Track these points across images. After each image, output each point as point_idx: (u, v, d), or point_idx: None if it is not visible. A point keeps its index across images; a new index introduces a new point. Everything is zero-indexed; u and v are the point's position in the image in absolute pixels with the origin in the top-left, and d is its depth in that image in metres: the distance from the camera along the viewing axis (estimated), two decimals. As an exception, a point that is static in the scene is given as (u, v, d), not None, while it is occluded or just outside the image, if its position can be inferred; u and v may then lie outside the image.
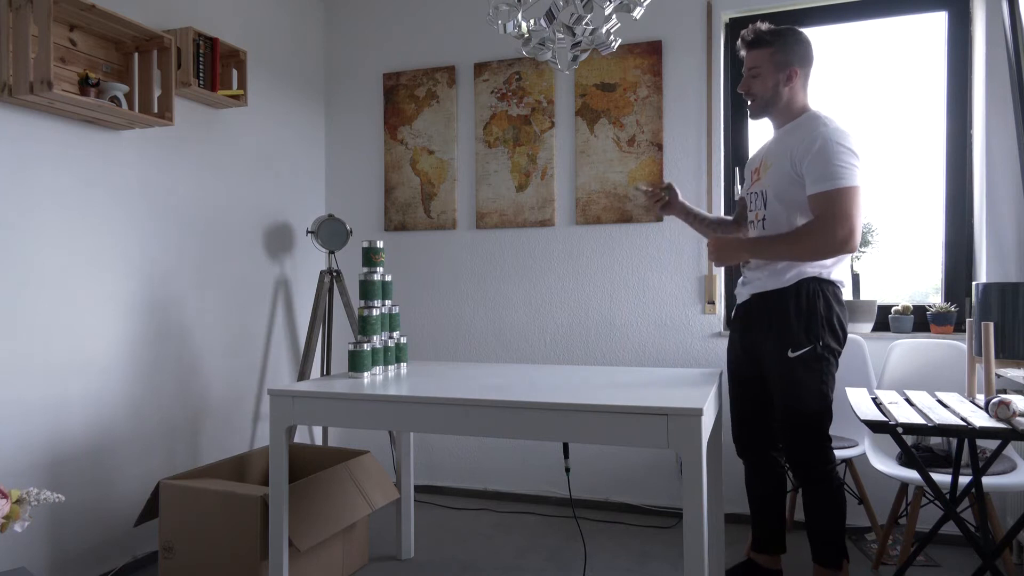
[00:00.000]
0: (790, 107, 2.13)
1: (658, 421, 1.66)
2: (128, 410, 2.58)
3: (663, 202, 2.39)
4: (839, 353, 2.09)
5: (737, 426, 2.30)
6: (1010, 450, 2.45)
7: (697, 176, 3.11)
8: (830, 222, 1.94)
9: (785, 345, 2.05)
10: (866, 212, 3.01)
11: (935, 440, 2.41)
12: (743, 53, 2.17)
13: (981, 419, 1.72)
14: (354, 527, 2.56)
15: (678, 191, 2.40)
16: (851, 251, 1.97)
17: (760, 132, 3.14)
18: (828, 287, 2.06)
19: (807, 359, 2.03)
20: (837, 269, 2.10)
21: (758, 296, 2.14)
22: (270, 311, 3.31)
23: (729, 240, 2.14)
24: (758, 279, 2.14)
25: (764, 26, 2.13)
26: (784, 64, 2.09)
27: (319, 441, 3.58)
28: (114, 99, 2.37)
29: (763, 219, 2.14)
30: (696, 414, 1.63)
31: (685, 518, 1.63)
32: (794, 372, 2.04)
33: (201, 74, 2.72)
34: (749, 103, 2.19)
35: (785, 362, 2.05)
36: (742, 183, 3.14)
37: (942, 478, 2.22)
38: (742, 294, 2.23)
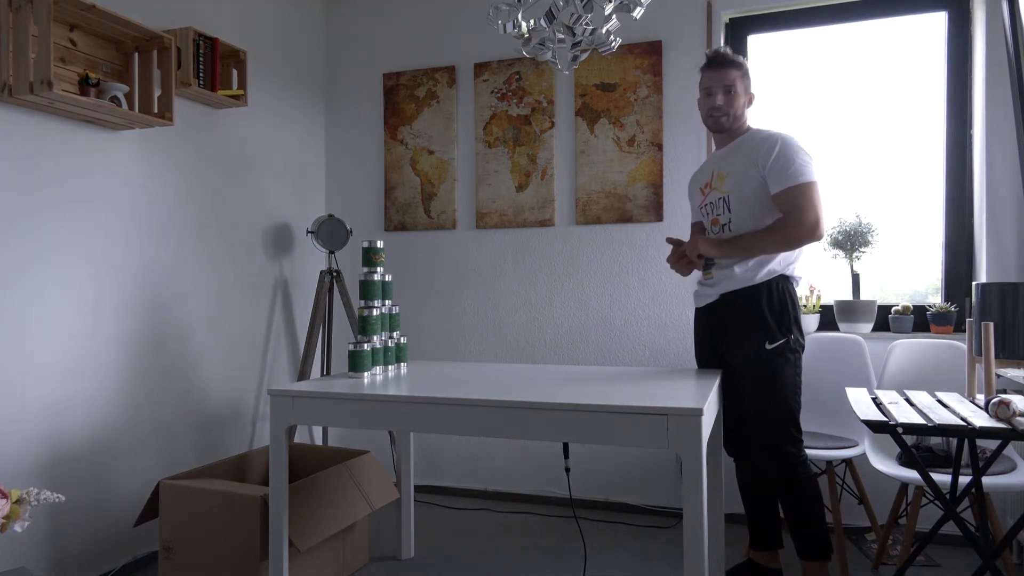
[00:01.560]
0: (741, 126, 2.32)
1: (658, 421, 1.66)
2: (128, 410, 2.58)
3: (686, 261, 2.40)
4: (803, 347, 2.23)
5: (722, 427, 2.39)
6: (1010, 450, 2.46)
7: (697, 176, 3.11)
8: (800, 213, 2.11)
9: (762, 339, 2.16)
10: (860, 211, 3.02)
11: (935, 440, 2.40)
12: (710, 71, 2.28)
13: (981, 419, 1.72)
14: (354, 527, 2.56)
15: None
16: (820, 237, 2.14)
17: (760, 124, 3.13)
18: (790, 284, 2.23)
19: (784, 350, 2.16)
20: (798, 265, 2.26)
21: (727, 296, 2.24)
22: (270, 311, 3.31)
23: (708, 238, 2.28)
24: (726, 279, 2.24)
25: (729, 49, 2.31)
26: (748, 88, 2.30)
27: (319, 441, 3.58)
28: (114, 99, 2.37)
29: (728, 222, 2.28)
30: (696, 414, 1.63)
31: (685, 518, 1.63)
32: (772, 364, 2.15)
33: (201, 74, 2.72)
34: (719, 117, 2.28)
35: (763, 355, 2.16)
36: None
37: (942, 478, 2.22)
38: (708, 296, 2.31)
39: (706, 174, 2.40)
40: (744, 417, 2.30)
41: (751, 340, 2.18)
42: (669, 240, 2.41)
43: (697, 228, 2.52)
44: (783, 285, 2.20)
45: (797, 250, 2.23)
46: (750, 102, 2.32)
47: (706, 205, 2.38)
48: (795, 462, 2.17)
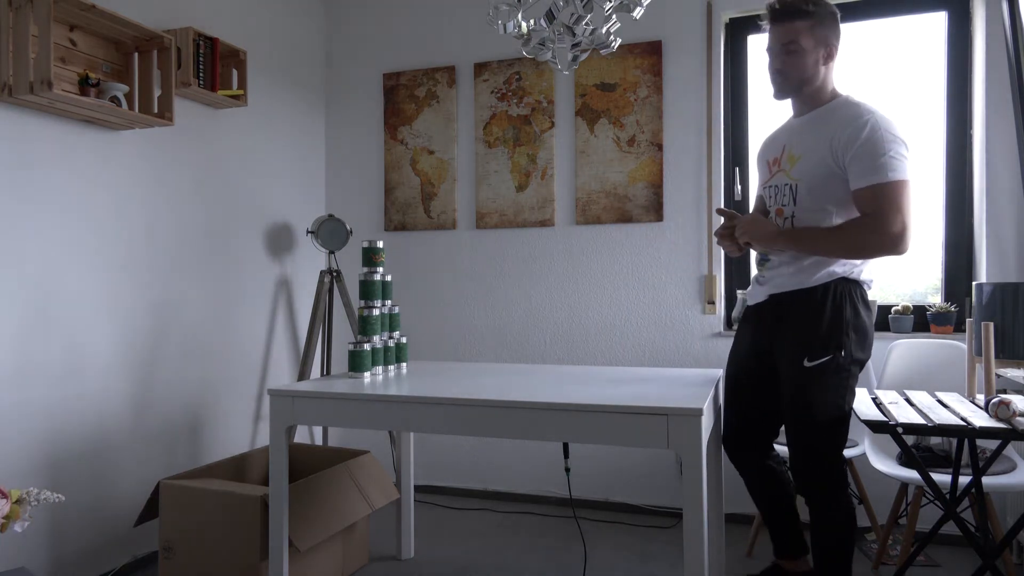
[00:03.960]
0: (823, 90, 1.91)
1: (658, 421, 1.66)
2: (128, 410, 2.58)
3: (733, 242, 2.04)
4: (863, 364, 1.89)
5: (731, 430, 2.15)
6: (1010, 450, 2.46)
7: (697, 176, 3.11)
8: (883, 219, 1.74)
9: (802, 353, 1.85)
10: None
11: (935, 440, 2.41)
12: (770, 25, 1.92)
13: (981, 419, 1.72)
14: (354, 527, 2.56)
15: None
16: (903, 251, 1.76)
17: (760, 125, 3.14)
18: (856, 289, 1.88)
19: (825, 370, 1.84)
20: (867, 268, 1.91)
21: (777, 297, 1.95)
22: (270, 311, 3.31)
23: (765, 221, 1.90)
24: (778, 278, 1.94)
25: None
26: (824, 39, 1.88)
27: (319, 441, 3.58)
28: (114, 99, 2.37)
29: (792, 216, 1.93)
30: (696, 414, 1.63)
31: (685, 518, 1.63)
32: (810, 383, 1.85)
33: (201, 74, 2.72)
34: (780, 82, 1.92)
35: (801, 372, 1.86)
36: (740, 183, 3.13)
37: (942, 478, 2.22)
38: (757, 294, 2.02)
39: (776, 147, 2.01)
40: (754, 425, 2.09)
41: (792, 352, 1.88)
42: (720, 211, 2.03)
43: (760, 206, 2.15)
44: (843, 290, 1.85)
45: None
46: (829, 57, 1.88)
47: (770, 187, 2.01)
48: (827, 495, 1.86)
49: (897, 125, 1.81)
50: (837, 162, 1.82)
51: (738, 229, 1.94)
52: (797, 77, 1.90)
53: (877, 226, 1.75)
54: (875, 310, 2.90)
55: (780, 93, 1.96)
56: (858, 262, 1.88)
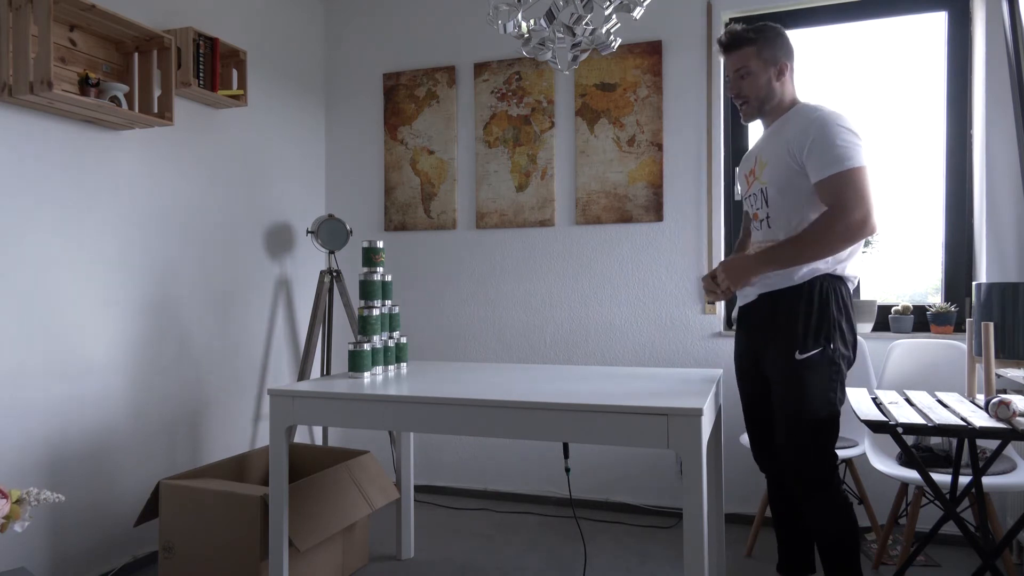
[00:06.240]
0: (783, 103, 2.04)
1: (658, 421, 1.66)
2: (128, 410, 2.58)
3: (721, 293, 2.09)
4: (851, 360, 1.96)
5: (753, 439, 2.18)
6: (1010, 450, 2.46)
7: (697, 176, 3.11)
8: (844, 207, 1.82)
9: (792, 347, 1.91)
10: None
11: (935, 440, 2.41)
12: (725, 56, 2.07)
13: (981, 419, 1.72)
14: (354, 527, 2.56)
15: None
16: (871, 232, 1.85)
17: (760, 125, 3.13)
18: (840, 285, 1.95)
19: (815, 362, 1.89)
20: (851, 264, 1.98)
21: (766, 296, 2.01)
22: (270, 311, 3.31)
23: (739, 260, 1.97)
24: (768, 277, 1.99)
25: (740, 26, 2.05)
26: (773, 59, 2.01)
27: (319, 441, 3.58)
28: (114, 99, 2.37)
29: (767, 217, 2.03)
30: (696, 414, 1.63)
31: (685, 518, 1.63)
32: (800, 376, 1.90)
33: (201, 74, 2.72)
34: (741, 106, 2.07)
35: (791, 365, 1.91)
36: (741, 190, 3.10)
37: (942, 478, 2.22)
38: (748, 294, 2.08)
39: (751, 159, 2.13)
40: (770, 426, 2.12)
41: (781, 346, 1.93)
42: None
43: (746, 223, 2.29)
44: (829, 286, 1.92)
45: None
46: (780, 73, 2.01)
47: (750, 196, 2.12)
48: (821, 486, 1.90)
49: (847, 117, 1.90)
50: (797, 161, 1.93)
51: (713, 280, 2.04)
52: (755, 97, 2.04)
53: (840, 215, 1.83)
54: (871, 309, 2.90)
55: (747, 117, 2.09)
56: (843, 256, 1.95)
